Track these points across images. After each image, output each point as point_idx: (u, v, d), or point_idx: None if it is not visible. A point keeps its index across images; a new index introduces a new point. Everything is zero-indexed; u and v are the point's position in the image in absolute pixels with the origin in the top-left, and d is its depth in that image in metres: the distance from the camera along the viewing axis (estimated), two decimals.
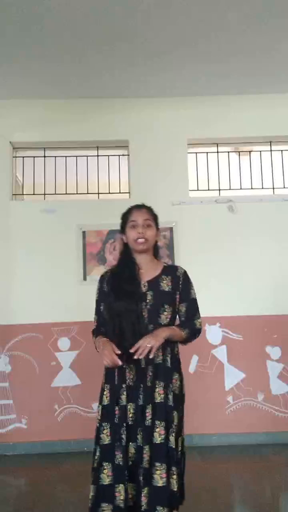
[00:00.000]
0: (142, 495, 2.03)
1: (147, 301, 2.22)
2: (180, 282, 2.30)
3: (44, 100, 5.02)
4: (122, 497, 2.05)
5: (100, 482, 2.11)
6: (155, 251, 2.39)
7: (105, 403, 2.23)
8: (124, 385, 2.17)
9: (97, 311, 2.42)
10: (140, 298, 2.20)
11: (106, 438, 2.17)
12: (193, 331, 2.28)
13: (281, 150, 5.23)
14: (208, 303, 4.82)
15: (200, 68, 4.56)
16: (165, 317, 2.22)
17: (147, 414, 2.13)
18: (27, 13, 3.69)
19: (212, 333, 4.71)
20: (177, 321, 2.36)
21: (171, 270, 2.33)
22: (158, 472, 2.05)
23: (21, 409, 4.60)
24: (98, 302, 2.40)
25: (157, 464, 2.05)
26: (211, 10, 3.73)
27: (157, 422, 2.10)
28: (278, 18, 3.85)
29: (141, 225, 2.29)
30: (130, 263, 2.31)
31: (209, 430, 4.53)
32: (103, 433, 2.18)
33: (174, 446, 2.10)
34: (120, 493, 2.05)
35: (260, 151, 5.20)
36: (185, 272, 2.36)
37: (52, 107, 5.04)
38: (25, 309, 4.73)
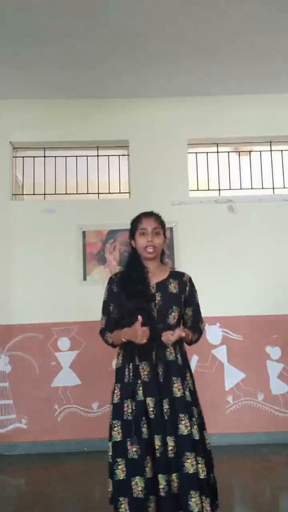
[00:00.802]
0: (173, 481, 2.14)
1: (157, 301, 2.33)
2: (187, 287, 2.44)
3: (44, 100, 5.03)
4: (140, 488, 2.12)
5: (115, 477, 2.19)
6: (162, 257, 2.50)
7: (115, 401, 2.30)
8: (139, 381, 2.25)
9: (105, 311, 2.44)
10: (150, 298, 2.32)
11: (117, 436, 2.23)
12: (200, 335, 2.47)
13: (281, 150, 5.23)
14: (208, 303, 4.81)
15: (200, 68, 4.57)
16: (173, 317, 2.34)
17: (164, 409, 2.22)
18: (27, 14, 3.70)
19: (212, 333, 4.72)
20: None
21: (178, 275, 2.46)
22: (188, 460, 2.16)
23: (21, 409, 4.60)
24: (106, 303, 2.44)
25: (187, 453, 2.16)
26: (211, 10, 3.73)
27: (181, 415, 2.21)
28: (278, 18, 3.85)
29: (151, 233, 2.39)
30: (139, 267, 2.40)
31: (209, 430, 4.47)
32: (114, 431, 2.25)
33: (198, 438, 2.23)
34: (137, 485, 2.13)
35: (260, 151, 5.21)
36: (190, 278, 2.50)
37: (52, 107, 5.04)
38: (25, 309, 4.73)
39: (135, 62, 4.42)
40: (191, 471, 2.14)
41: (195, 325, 2.44)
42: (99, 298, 4.69)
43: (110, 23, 3.84)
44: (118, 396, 2.29)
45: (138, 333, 2.16)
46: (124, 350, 2.34)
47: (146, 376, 2.25)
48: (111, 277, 2.48)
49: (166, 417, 2.21)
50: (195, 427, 2.24)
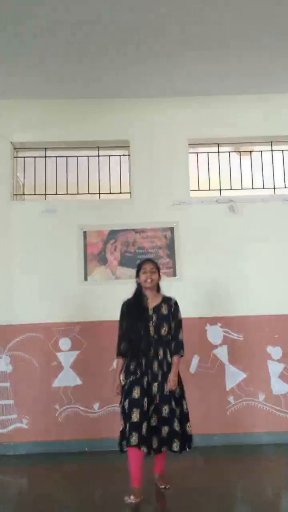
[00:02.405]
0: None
1: (153, 320, 3.39)
2: (172, 308, 3.46)
3: (45, 101, 5.03)
4: (144, 430, 3.15)
5: (131, 420, 3.17)
6: (158, 287, 3.54)
7: (132, 378, 3.32)
8: (139, 371, 3.31)
9: (121, 325, 3.48)
10: (147, 319, 3.38)
11: (136, 395, 3.22)
12: (179, 345, 3.40)
13: (282, 150, 5.22)
14: (209, 302, 4.84)
15: (200, 68, 4.57)
16: (164, 330, 3.38)
17: (153, 388, 3.31)
18: (28, 14, 3.70)
19: (213, 333, 4.71)
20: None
21: (167, 300, 3.49)
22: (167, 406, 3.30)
23: (22, 409, 4.61)
24: (121, 320, 3.49)
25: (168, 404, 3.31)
26: (211, 10, 3.73)
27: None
28: (278, 18, 3.85)
29: (149, 271, 3.45)
30: (141, 296, 3.47)
31: (210, 430, 4.52)
32: (134, 392, 3.24)
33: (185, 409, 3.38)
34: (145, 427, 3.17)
35: (261, 151, 5.20)
36: (176, 302, 3.50)
37: (53, 108, 5.05)
38: (26, 309, 4.74)
39: (135, 62, 4.42)
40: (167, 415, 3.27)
41: (175, 335, 3.40)
42: (100, 299, 4.73)
43: (111, 23, 3.85)
44: (134, 376, 3.32)
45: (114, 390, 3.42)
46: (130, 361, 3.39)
47: (143, 367, 3.31)
48: (123, 303, 3.52)
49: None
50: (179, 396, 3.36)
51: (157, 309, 3.43)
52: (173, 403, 3.28)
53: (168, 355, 3.37)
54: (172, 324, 3.41)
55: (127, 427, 3.16)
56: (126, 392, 3.29)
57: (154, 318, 3.39)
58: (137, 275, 3.52)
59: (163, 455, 3.39)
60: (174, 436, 3.23)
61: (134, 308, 3.45)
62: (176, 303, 3.49)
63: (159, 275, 3.54)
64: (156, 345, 3.34)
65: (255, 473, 3.80)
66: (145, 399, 3.21)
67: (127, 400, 3.24)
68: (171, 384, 3.28)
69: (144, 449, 3.12)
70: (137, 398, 3.20)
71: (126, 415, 3.22)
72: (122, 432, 3.23)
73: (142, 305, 3.42)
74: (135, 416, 3.14)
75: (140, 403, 3.19)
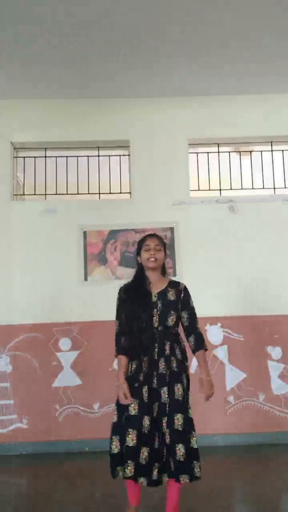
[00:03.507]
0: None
1: (158, 307, 2.76)
2: (182, 294, 2.84)
3: (45, 101, 5.03)
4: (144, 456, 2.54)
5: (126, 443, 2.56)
6: (163, 270, 2.93)
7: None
8: (141, 373, 2.66)
9: (118, 316, 2.85)
10: (150, 306, 2.75)
11: (133, 411, 2.60)
12: (199, 336, 2.81)
13: (282, 150, 5.22)
14: (209, 303, 4.84)
15: (200, 68, 4.57)
16: (171, 320, 2.75)
17: (162, 394, 2.65)
18: (28, 14, 3.70)
19: (213, 333, 4.71)
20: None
21: (175, 284, 2.87)
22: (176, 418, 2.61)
23: (22, 409, 4.61)
24: (118, 310, 2.86)
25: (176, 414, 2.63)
26: (211, 11, 3.73)
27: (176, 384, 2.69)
28: (278, 18, 3.85)
29: (153, 248, 2.83)
30: (143, 278, 2.85)
31: (210, 430, 4.52)
32: (131, 407, 2.62)
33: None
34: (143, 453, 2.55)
35: (261, 151, 5.20)
36: (185, 286, 2.89)
37: (53, 108, 5.05)
38: (26, 309, 4.74)
39: (135, 62, 4.42)
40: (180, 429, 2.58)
41: (192, 327, 2.81)
42: (100, 298, 4.74)
43: (111, 23, 3.85)
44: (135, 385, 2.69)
45: (122, 399, 2.63)
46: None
47: (146, 368, 2.67)
48: (120, 288, 2.89)
49: (163, 401, 2.64)
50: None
51: (162, 294, 2.79)
52: (189, 411, 2.66)
53: (177, 350, 2.74)
54: (182, 313, 2.81)
55: (123, 450, 2.55)
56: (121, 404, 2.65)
57: (159, 305, 2.76)
58: (138, 253, 2.91)
59: (178, 486, 2.60)
60: (194, 457, 2.57)
61: (134, 292, 2.81)
62: (186, 288, 2.87)
63: (165, 253, 2.92)
64: (161, 339, 2.71)
65: (255, 473, 3.81)
66: (146, 418, 2.57)
67: (123, 416, 2.62)
68: (208, 391, 2.70)
69: (143, 481, 2.52)
70: (134, 415, 2.57)
71: (119, 432, 2.61)
72: (113, 456, 2.60)
73: (144, 289, 2.80)
74: (131, 439, 2.52)
75: (139, 423, 2.54)
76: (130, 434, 2.52)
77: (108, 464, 2.63)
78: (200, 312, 4.83)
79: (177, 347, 2.76)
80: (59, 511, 3.19)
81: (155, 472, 2.54)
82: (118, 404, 2.67)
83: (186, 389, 2.71)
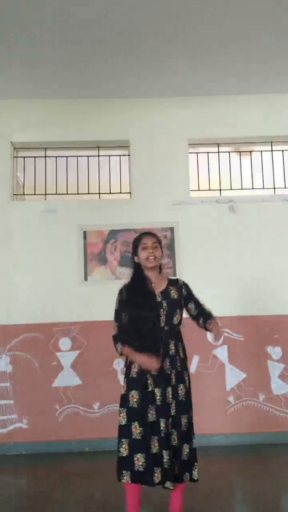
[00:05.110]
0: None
1: (164, 307, 2.73)
2: (183, 290, 2.85)
3: (45, 101, 5.03)
4: (141, 463, 2.57)
5: (120, 454, 2.62)
6: (160, 268, 2.89)
7: (123, 393, 2.70)
8: (149, 375, 2.64)
9: (117, 319, 2.78)
10: (156, 307, 2.72)
11: (122, 420, 2.66)
12: (210, 312, 2.87)
13: (282, 150, 5.22)
14: (209, 303, 4.81)
15: (200, 68, 4.56)
16: (176, 319, 2.76)
17: (166, 394, 2.64)
18: (28, 14, 3.70)
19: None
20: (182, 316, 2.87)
21: (174, 282, 2.87)
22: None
23: (22, 409, 4.60)
24: (118, 311, 2.79)
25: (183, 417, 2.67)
26: (211, 11, 3.73)
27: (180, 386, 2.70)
28: (278, 18, 3.85)
29: (151, 246, 2.79)
30: (143, 279, 2.80)
31: (210, 430, 4.52)
32: (120, 416, 2.68)
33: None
34: (138, 460, 2.58)
35: (261, 151, 5.20)
36: (184, 282, 2.91)
37: (53, 107, 5.05)
38: (26, 309, 4.74)
39: (135, 62, 4.42)
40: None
41: (202, 310, 2.84)
42: (100, 298, 4.73)
43: (111, 23, 3.84)
44: (125, 388, 2.69)
45: (152, 365, 2.60)
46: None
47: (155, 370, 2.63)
48: (120, 289, 2.83)
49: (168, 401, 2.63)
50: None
51: (165, 293, 2.76)
52: (191, 412, 2.70)
53: (180, 349, 2.74)
54: (189, 305, 2.85)
55: (129, 453, 2.60)
56: (127, 410, 2.63)
57: (165, 304, 2.73)
58: (135, 253, 2.85)
59: (182, 486, 2.67)
60: (194, 458, 2.66)
61: (138, 294, 2.73)
62: (185, 283, 2.88)
63: (162, 251, 2.90)
64: (166, 338, 2.69)
65: (255, 473, 3.81)
66: (152, 438, 2.57)
67: (131, 421, 2.61)
68: (218, 331, 2.78)
69: (144, 484, 2.59)
70: (124, 425, 2.62)
71: (127, 433, 2.61)
72: (122, 458, 2.61)
73: (147, 289, 2.75)
74: (124, 449, 2.60)
75: (146, 442, 2.57)
76: (123, 444, 2.60)
77: (115, 465, 2.64)
78: None
79: (180, 345, 2.77)
80: (59, 511, 3.19)
81: (155, 477, 2.53)
82: (125, 406, 2.65)
83: (188, 388, 2.73)
